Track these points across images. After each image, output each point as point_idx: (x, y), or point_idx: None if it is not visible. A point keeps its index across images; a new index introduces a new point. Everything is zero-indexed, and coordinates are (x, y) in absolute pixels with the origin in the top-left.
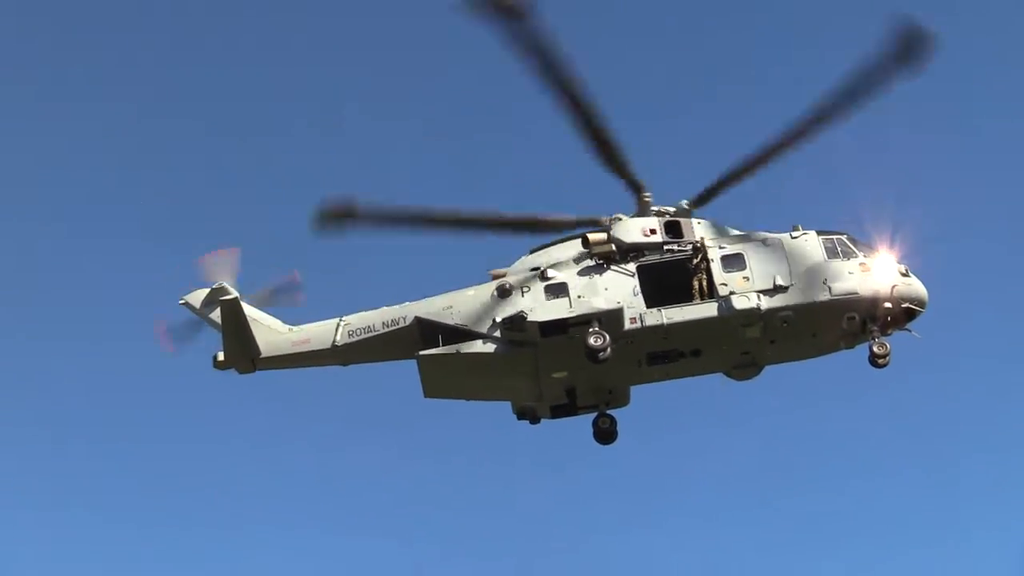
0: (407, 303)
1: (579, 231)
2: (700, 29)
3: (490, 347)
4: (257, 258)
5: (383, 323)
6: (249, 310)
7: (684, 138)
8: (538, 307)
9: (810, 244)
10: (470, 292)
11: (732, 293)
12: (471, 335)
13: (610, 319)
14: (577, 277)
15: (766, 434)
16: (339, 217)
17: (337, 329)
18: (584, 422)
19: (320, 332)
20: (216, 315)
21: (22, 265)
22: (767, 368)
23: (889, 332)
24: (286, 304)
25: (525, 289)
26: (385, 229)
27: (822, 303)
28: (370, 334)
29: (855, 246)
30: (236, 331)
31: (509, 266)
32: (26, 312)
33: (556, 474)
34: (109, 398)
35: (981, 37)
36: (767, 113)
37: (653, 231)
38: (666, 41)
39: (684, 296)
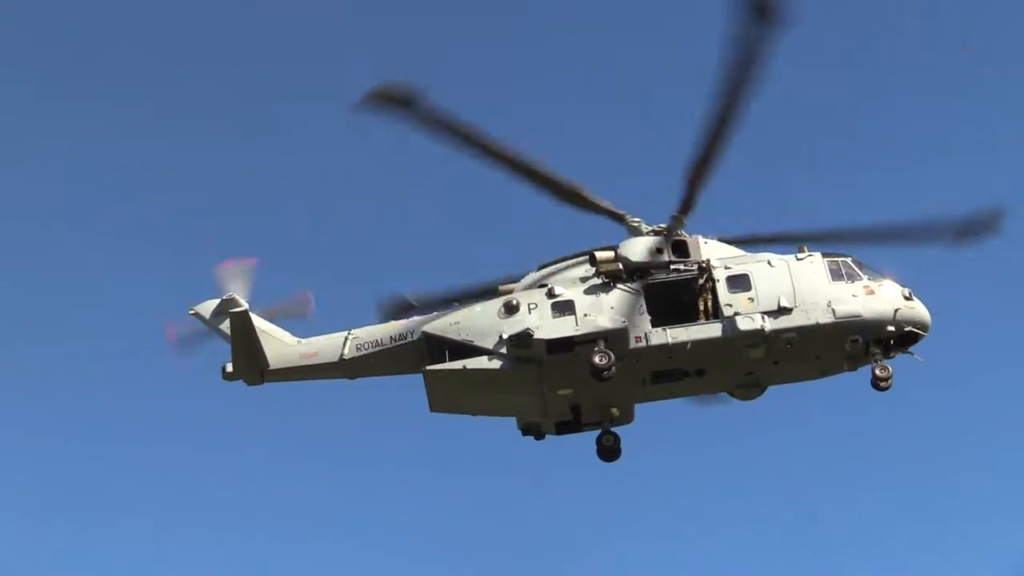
0: (415, 317)
1: (601, 218)
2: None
3: (496, 363)
4: (274, 269)
5: (391, 337)
6: (258, 322)
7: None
8: (544, 324)
9: (815, 266)
10: (477, 308)
11: (737, 314)
12: (478, 351)
13: (616, 338)
14: (584, 295)
15: (768, 452)
16: (394, 100)
17: (345, 343)
18: (588, 439)
19: (328, 345)
20: (226, 326)
21: (34, 267)
22: (770, 388)
23: (892, 355)
24: (296, 320)
25: (532, 306)
26: (431, 132)
27: (826, 325)
28: (378, 348)
29: (860, 269)
30: (245, 343)
31: (517, 281)
32: (39, 316)
33: (559, 490)
34: (120, 405)
35: None
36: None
37: (660, 250)
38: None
39: (689, 316)
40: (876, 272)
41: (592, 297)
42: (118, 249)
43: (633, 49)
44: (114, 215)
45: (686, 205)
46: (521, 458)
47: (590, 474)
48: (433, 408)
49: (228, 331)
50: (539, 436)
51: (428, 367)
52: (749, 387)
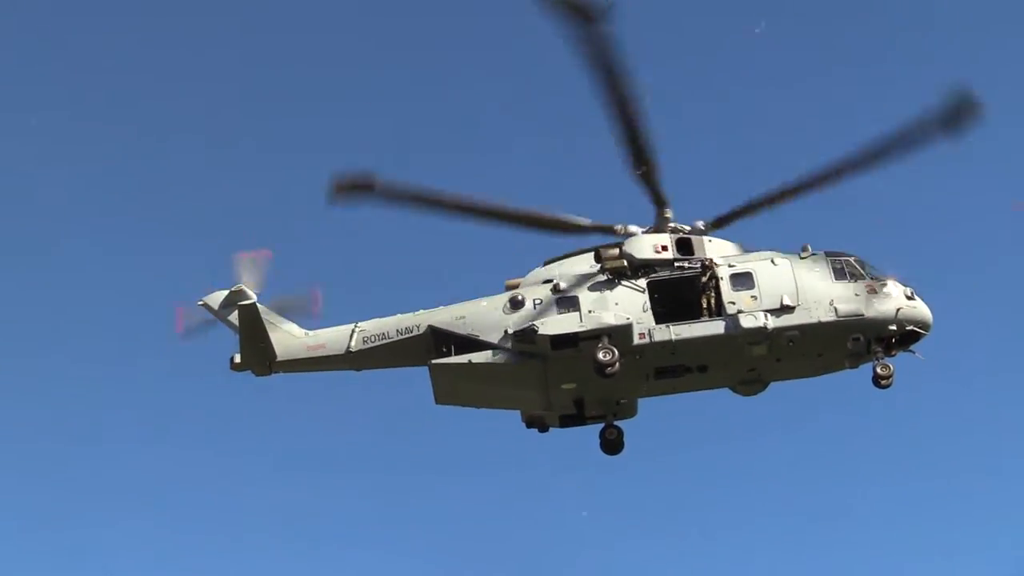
0: (421, 311)
1: (591, 236)
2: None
3: (501, 358)
4: (287, 263)
5: (397, 331)
6: (266, 313)
7: (716, 154)
8: (549, 320)
9: (818, 265)
10: (483, 303)
11: (740, 312)
12: (483, 345)
13: (619, 334)
14: (588, 291)
15: (768, 448)
16: (355, 189)
17: (352, 335)
18: (591, 432)
19: (335, 337)
20: (234, 317)
21: (38, 265)
22: (772, 384)
23: (893, 353)
24: (301, 317)
25: (537, 301)
26: (399, 206)
27: (828, 324)
28: (384, 341)
29: (862, 268)
30: (253, 335)
31: (523, 276)
32: (46, 314)
33: (563, 482)
34: (128, 396)
35: None
36: (805, 145)
37: (664, 248)
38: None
39: (693, 313)
40: (879, 271)
41: (597, 294)
42: (125, 244)
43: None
44: (123, 208)
45: (656, 200)
46: (525, 451)
47: (593, 467)
48: (438, 400)
49: (236, 322)
50: (543, 429)
51: (434, 361)
52: (751, 383)
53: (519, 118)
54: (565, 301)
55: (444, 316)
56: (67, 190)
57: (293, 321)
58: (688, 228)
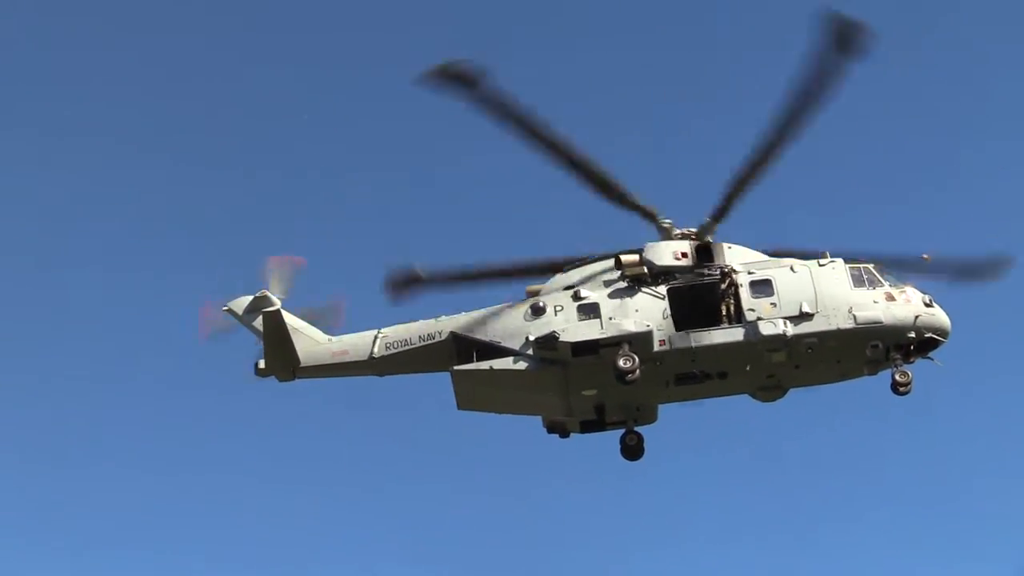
0: (443, 317)
1: (634, 214)
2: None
3: (522, 364)
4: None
5: (419, 337)
6: (290, 319)
7: (679, 152)
8: (570, 327)
9: (837, 272)
10: (505, 309)
11: (759, 319)
12: (504, 351)
13: (640, 341)
14: (609, 298)
15: (788, 453)
16: (458, 78)
17: (375, 341)
18: (612, 437)
19: (358, 344)
20: (258, 322)
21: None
22: (791, 390)
23: (912, 360)
24: (324, 327)
25: (558, 308)
26: (490, 113)
27: (847, 331)
28: (406, 347)
29: (881, 275)
30: (277, 342)
31: (543, 282)
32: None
33: (584, 487)
34: (153, 401)
35: None
36: (741, 119)
37: (684, 255)
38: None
39: (712, 320)
40: (898, 279)
41: (617, 300)
42: (150, 246)
43: (696, 52)
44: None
45: (720, 212)
46: (546, 455)
47: (614, 472)
48: (460, 406)
49: (260, 328)
50: (564, 434)
51: (456, 367)
52: (771, 389)
53: None
54: (586, 308)
55: (466, 322)
56: (95, 191)
57: (317, 327)
58: (696, 229)
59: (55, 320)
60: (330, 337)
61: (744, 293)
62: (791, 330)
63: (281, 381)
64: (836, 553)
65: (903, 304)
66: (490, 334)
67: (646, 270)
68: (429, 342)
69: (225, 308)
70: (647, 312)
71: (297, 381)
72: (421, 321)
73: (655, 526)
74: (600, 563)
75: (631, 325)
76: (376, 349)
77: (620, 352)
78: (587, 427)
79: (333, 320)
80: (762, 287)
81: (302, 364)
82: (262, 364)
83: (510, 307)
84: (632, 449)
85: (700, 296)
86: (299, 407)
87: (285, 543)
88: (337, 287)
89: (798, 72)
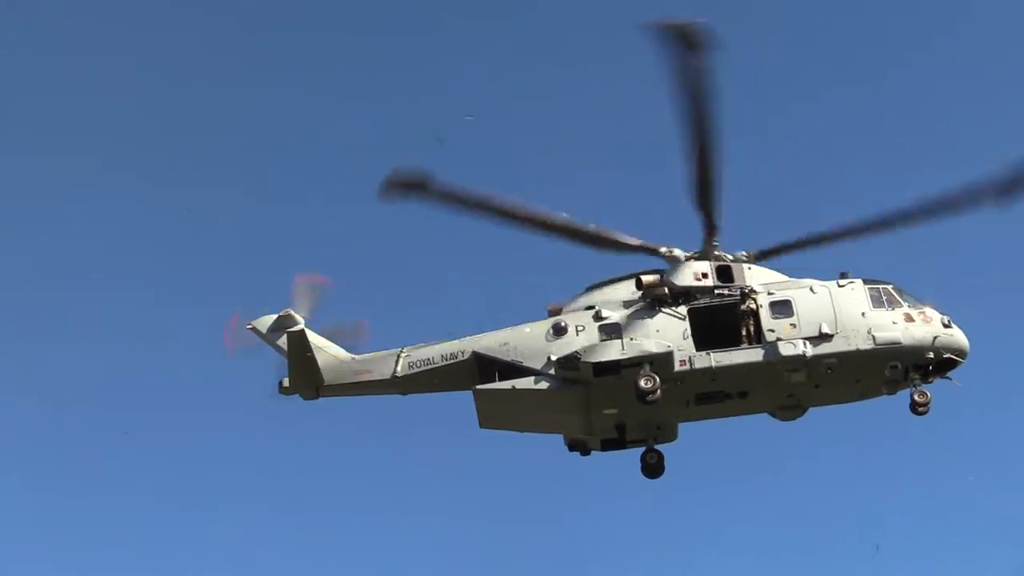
0: (465, 337)
1: (637, 256)
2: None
3: (544, 384)
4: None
5: (442, 356)
6: (314, 338)
7: (771, 186)
8: (592, 348)
9: (856, 293)
10: (527, 329)
11: (779, 339)
12: (526, 371)
13: (661, 362)
14: (630, 319)
15: (807, 471)
16: (409, 186)
17: (398, 360)
18: (633, 455)
19: (381, 363)
20: (283, 341)
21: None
22: (811, 409)
23: (930, 380)
24: (348, 345)
25: (580, 328)
26: (449, 207)
27: (866, 352)
28: (429, 367)
29: (900, 296)
30: (301, 361)
31: (564, 300)
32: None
33: (605, 505)
34: (177, 416)
35: None
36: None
37: (705, 275)
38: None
39: (733, 340)
40: (916, 299)
41: (638, 321)
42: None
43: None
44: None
45: (709, 227)
46: (567, 473)
47: (634, 489)
48: (483, 425)
49: (284, 346)
50: (585, 452)
51: (478, 387)
52: (790, 408)
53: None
54: (607, 328)
55: (488, 342)
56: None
57: (340, 346)
58: (731, 257)
59: (79, 334)
60: (353, 356)
61: (764, 313)
62: (811, 351)
63: (305, 399)
64: (855, 571)
65: (922, 325)
66: (512, 354)
67: (667, 291)
68: (452, 361)
69: (249, 327)
70: (668, 332)
71: (321, 399)
72: (444, 340)
73: (675, 543)
74: None
75: (652, 345)
76: (399, 368)
77: (641, 372)
78: (608, 445)
79: (357, 339)
80: (782, 307)
81: (326, 383)
82: (286, 382)
83: (532, 327)
84: (652, 467)
85: (720, 316)
86: (323, 425)
87: (308, 560)
88: (360, 307)
89: (671, 82)
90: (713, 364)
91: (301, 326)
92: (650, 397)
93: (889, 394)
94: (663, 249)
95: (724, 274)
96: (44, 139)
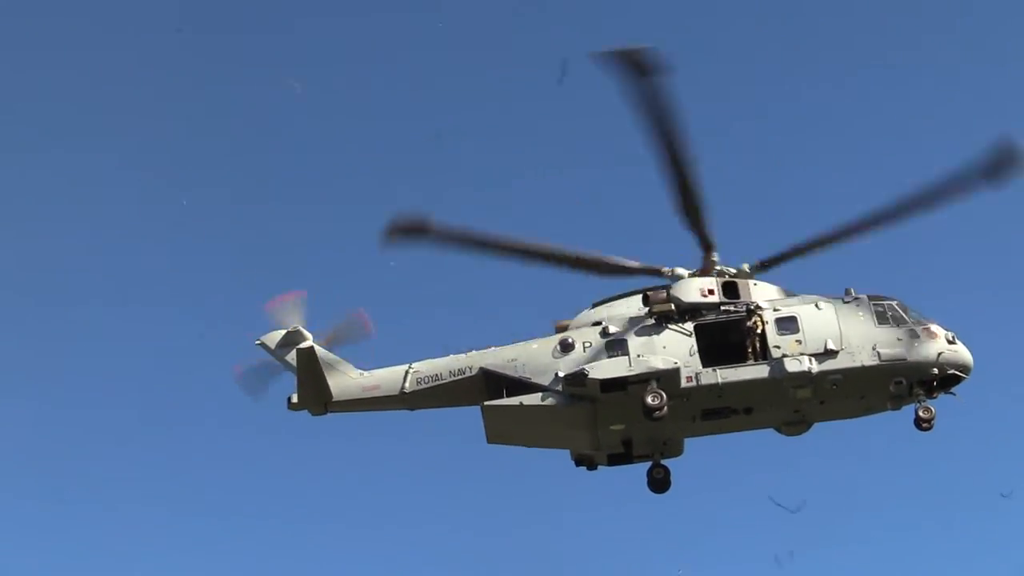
0: (473, 352)
1: (639, 278)
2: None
3: (551, 400)
4: (322, 296)
5: (450, 372)
6: (323, 354)
7: (765, 197)
8: (599, 364)
9: (861, 310)
10: (534, 345)
11: (785, 356)
12: (534, 387)
13: (668, 378)
14: (636, 335)
15: (813, 486)
16: (410, 231)
17: (406, 376)
18: (639, 470)
19: (389, 378)
20: (291, 357)
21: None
22: (816, 424)
23: (935, 396)
24: (356, 341)
25: (587, 344)
26: (452, 247)
27: (871, 368)
28: (437, 382)
29: (905, 313)
30: (310, 378)
31: (572, 317)
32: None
33: (611, 519)
34: (189, 434)
35: None
36: (851, 190)
37: (711, 291)
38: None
39: (739, 356)
40: (921, 316)
41: (645, 337)
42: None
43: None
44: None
45: (704, 245)
46: (574, 488)
47: (640, 504)
48: (490, 440)
49: (293, 361)
50: (592, 467)
51: (486, 403)
52: (796, 424)
53: (568, 152)
54: (614, 344)
55: (496, 359)
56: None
57: (350, 351)
58: (734, 271)
59: (79, 335)
60: (362, 372)
61: (770, 330)
62: (816, 367)
63: (314, 415)
64: None
65: (926, 341)
66: (520, 370)
67: (673, 307)
68: (459, 377)
69: (258, 342)
70: (674, 349)
71: (329, 415)
72: (451, 356)
73: (681, 558)
74: None
75: (659, 362)
76: (407, 384)
77: (648, 389)
78: (615, 460)
79: (361, 331)
80: (788, 324)
81: (334, 398)
82: (295, 398)
83: (539, 343)
84: (659, 482)
85: (727, 333)
86: (331, 440)
87: (315, 573)
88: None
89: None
90: (719, 381)
91: (310, 342)
92: (657, 413)
93: (894, 409)
94: (665, 269)
95: (730, 290)
96: (44, 139)
